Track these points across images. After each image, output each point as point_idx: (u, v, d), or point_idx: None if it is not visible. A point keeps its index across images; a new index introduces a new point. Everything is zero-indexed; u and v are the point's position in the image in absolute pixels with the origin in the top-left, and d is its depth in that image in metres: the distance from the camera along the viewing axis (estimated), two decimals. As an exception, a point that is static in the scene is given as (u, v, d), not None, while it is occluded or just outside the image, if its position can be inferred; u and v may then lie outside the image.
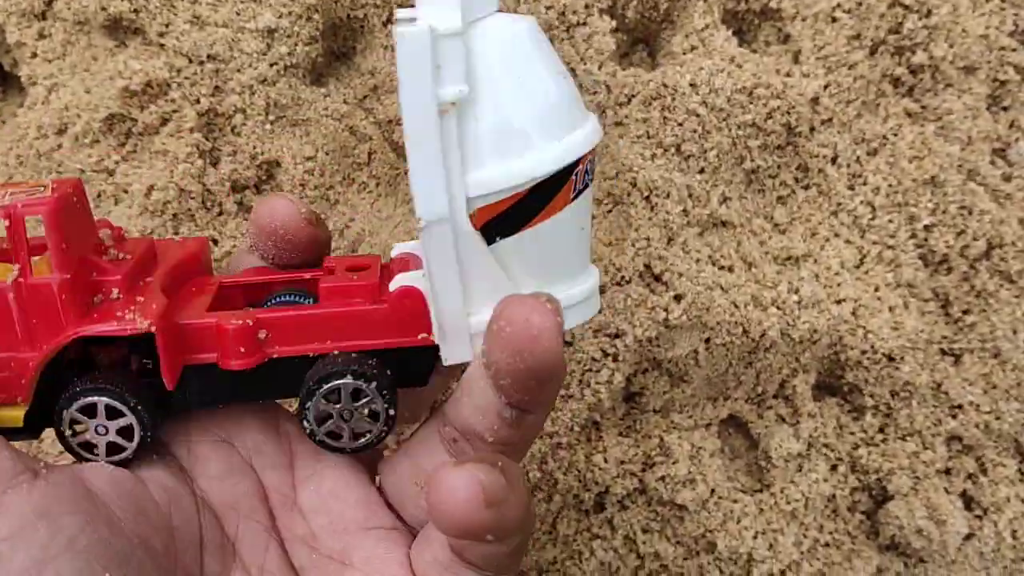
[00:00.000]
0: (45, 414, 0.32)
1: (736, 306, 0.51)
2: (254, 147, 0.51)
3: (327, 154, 0.53)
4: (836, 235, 0.55)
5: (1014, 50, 0.56)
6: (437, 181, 0.29)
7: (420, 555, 0.32)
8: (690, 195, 0.52)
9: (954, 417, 0.54)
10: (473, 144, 0.29)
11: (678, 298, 0.50)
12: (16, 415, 0.31)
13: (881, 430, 0.55)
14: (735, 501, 0.53)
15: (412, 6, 0.29)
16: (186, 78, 0.50)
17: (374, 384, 0.32)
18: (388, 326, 0.32)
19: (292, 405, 0.36)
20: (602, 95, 0.52)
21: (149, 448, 0.32)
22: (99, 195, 0.50)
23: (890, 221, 0.54)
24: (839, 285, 0.53)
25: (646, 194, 0.51)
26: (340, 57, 0.56)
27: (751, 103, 0.51)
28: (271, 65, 0.51)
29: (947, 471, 0.55)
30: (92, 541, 0.27)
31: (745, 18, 0.57)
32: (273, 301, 0.34)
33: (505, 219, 0.30)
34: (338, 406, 0.32)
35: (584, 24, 0.52)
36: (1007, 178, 0.56)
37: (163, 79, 0.50)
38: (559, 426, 0.51)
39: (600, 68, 0.52)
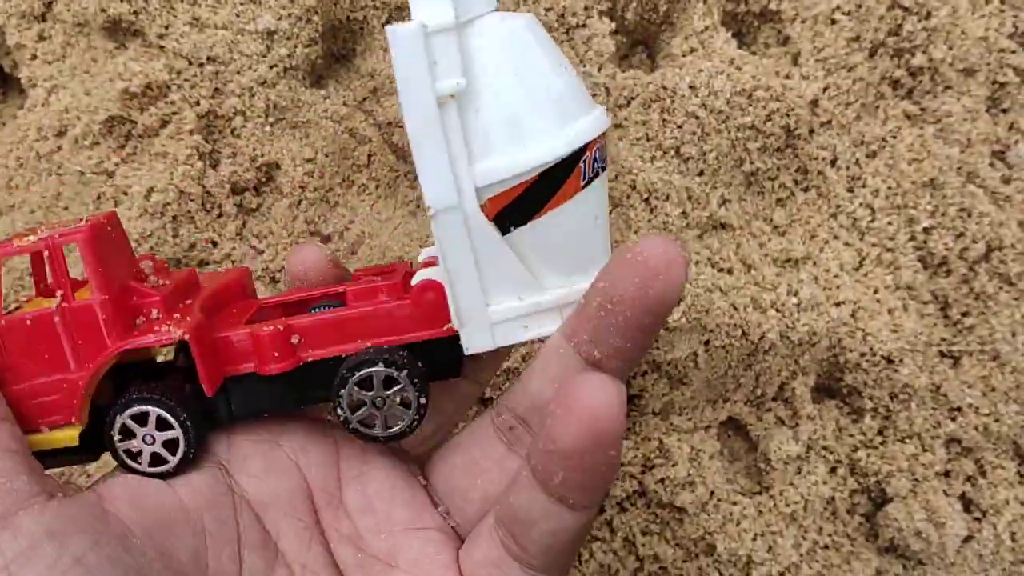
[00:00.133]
0: (101, 436, 0.33)
1: (735, 308, 0.51)
2: (254, 149, 0.51)
3: (327, 156, 0.53)
4: (835, 237, 0.55)
5: (1013, 52, 0.56)
6: (442, 170, 0.30)
7: (470, 555, 0.33)
8: (689, 197, 0.52)
9: (953, 419, 0.54)
10: (477, 135, 0.30)
11: (678, 300, 0.50)
12: (71, 435, 0.32)
13: (880, 432, 0.55)
14: (734, 503, 0.53)
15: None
16: (186, 80, 0.50)
17: (405, 372, 0.33)
18: (414, 320, 0.33)
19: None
20: (601, 97, 0.52)
21: (191, 463, 0.34)
22: (99, 197, 0.50)
23: (889, 223, 0.54)
24: (838, 287, 0.53)
25: (645, 196, 0.51)
26: (340, 59, 0.56)
27: (750, 105, 0.51)
28: (271, 67, 0.51)
29: (946, 473, 0.55)
30: (100, 559, 0.28)
31: (744, 20, 0.57)
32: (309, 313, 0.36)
33: (516, 208, 0.31)
34: (371, 394, 0.33)
35: (583, 26, 0.52)
36: (1006, 180, 0.56)
37: (163, 81, 0.50)
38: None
39: (599, 70, 0.52)
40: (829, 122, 0.54)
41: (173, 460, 0.33)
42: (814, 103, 0.53)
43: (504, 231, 0.31)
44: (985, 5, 0.56)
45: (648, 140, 0.52)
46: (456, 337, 0.33)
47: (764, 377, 0.53)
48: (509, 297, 0.32)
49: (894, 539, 0.54)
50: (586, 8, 0.52)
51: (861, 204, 0.55)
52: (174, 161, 0.50)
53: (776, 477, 0.54)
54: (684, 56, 0.54)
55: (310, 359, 0.33)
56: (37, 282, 0.34)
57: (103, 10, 0.50)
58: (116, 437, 0.33)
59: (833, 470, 0.55)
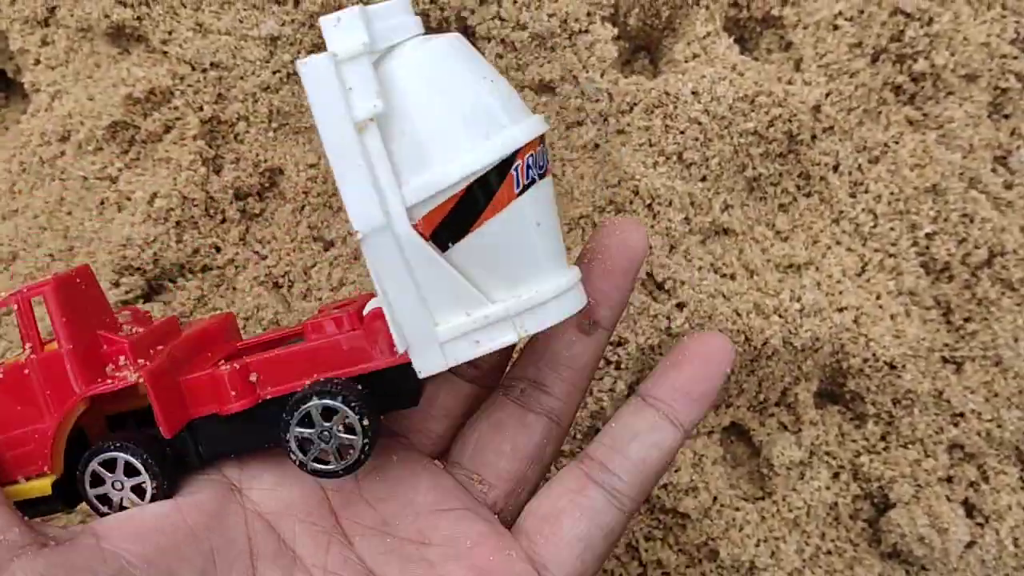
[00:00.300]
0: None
1: (738, 314, 0.51)
2: (257, 154, 0.51)
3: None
4: (838, 243, 0.55)
5: (1015, 58, 0.56)
6: (367, 193, 0.30)
7: (539, 503, 0.36)
8: (692, 203, 0.52)
9: (956, 425, 0.54)
10: (402, 155, 0.30)
11: (680, 306, 0.50)
12: (44, 485, 0.33)
13: (883, 438, 0.55)
14: (737, 509, 0.53)
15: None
16: (189, 86, 0.50)
17: (340, 398, 0.32)
18: (367, 351, 0.33)
19: None
20: (604, 103, 0.52)
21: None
22: (102, 203, 0.51)
23: (892, 229, 0.55)
24: (841, 293, 0.53)
25: (648, 202, 0.51)
26: (343, 64, 0.56)
27: (753, 111, 0.51)
28: (274, 72, 0.51)
29: (949, 479, 0.55)
30: None
31: (747, 26, 0.57)
32: None
33: (450, 223, 0.31)
34: (313, 430, 0.33)
35: (586, 32, 0.52)
36: (1008, 186, 0.56)
37: (166, 86, 0.50)
38: (561, 434, 0.51)
39: (602, 76, 0.52)
40: (831, 128, 0.54)
41: (142, 504, 0.33)
42: (816, 109, 0.53)
43: (443, 248, 0.31)
44: (987, 11, 0.56)
45: (651, 146, 0.52)
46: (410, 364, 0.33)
47: (767, 382, 0.53)
48: (456, 314, 0.31)
49: (897, 545, 0.54)
50: (589, 14, 0.52)
51: (863, 210, 0.55)
52: (177, 166, 0.50)
53: (779, 483, 0.54)
54: (687, 62, 0.54)
55: (269, 396, 0.33)
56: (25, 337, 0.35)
57: (107, 15, 0.50)
58: (88, 483, 0.34)
59: (836, 476, 0.55)
